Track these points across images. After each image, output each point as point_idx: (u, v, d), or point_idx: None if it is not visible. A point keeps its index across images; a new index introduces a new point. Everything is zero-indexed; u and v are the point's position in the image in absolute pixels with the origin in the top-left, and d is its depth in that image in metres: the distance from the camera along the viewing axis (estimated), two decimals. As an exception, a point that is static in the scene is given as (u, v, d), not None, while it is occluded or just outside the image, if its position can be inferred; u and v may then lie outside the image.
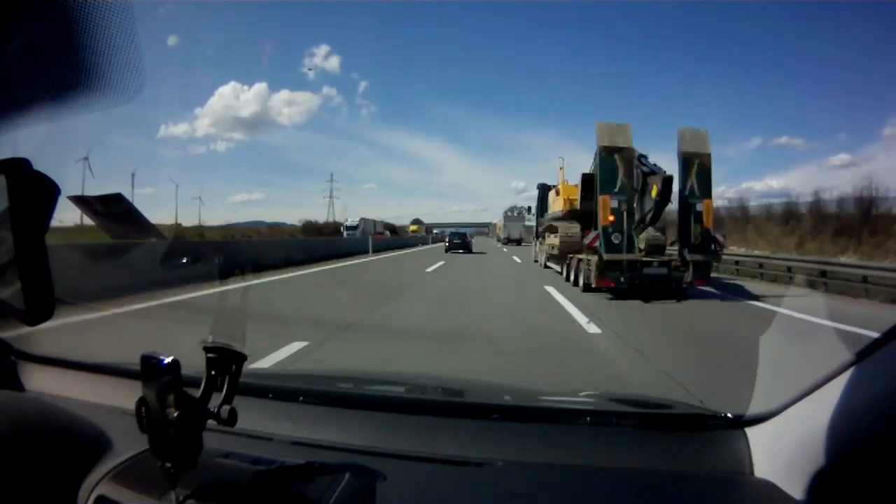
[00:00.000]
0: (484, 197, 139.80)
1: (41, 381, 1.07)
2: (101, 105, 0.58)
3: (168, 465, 0.58)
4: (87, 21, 0.52)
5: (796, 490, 0.67)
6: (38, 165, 0.53)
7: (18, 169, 0.52)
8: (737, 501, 0.74)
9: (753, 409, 0.84)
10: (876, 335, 0.63)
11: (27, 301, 0.53)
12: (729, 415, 0.87)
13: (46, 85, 0.58)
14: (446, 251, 23.07)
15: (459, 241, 24.43)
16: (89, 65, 0.55)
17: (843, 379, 0.65)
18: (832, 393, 0.66)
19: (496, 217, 54.61)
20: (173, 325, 4.47)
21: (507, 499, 0.73)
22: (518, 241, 37.96)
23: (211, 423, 0.62)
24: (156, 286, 7.03)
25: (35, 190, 0.53)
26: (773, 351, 1.92)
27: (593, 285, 8.03)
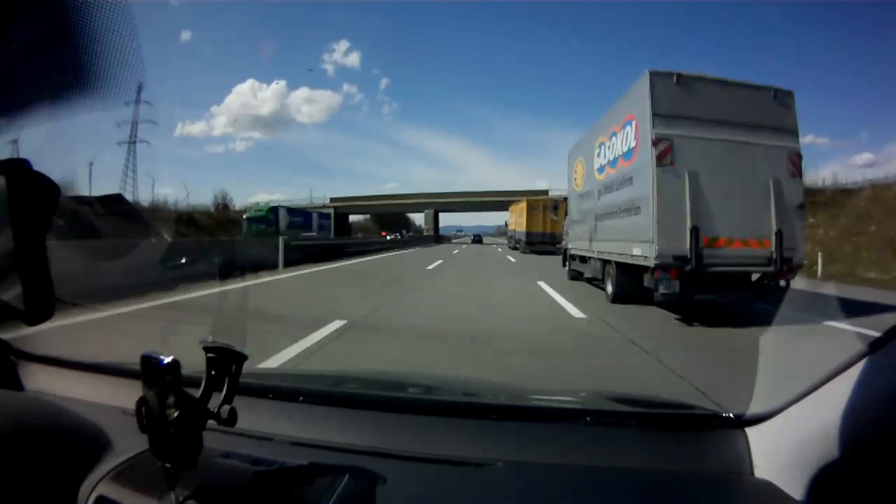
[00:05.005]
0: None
1: (41, 381, 1.07)
2: (101, 105, 0.58)
3: (168, 465, 0.58)
4: (87, 21, 0.52)
5: (796, 490, 0.67)
6: (38, 165, 0.53)
7: (18, 169, 0.52)
8: (737, 501, 0.74)
9: (753, 409, 0.84)
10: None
11: (27, 301, 0.53)
12: (729, 415, 0.86)
13: (46, 85, 0.59)
14: (471, 243, 43.73)
15: (477, 239, 48.08)
16: (89, 65, 0.55)
17: (844, 379, 0.65)
18: (832, 393, 0.66)
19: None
20: (173, 326, 4.47)
21: (507, 499, 0.73)
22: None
23: (211, 423, 0.62)
24: (155, 286, 7.01)
25: (35, 190, 0.53)
26: (773, 351, 1.92)
27: None
